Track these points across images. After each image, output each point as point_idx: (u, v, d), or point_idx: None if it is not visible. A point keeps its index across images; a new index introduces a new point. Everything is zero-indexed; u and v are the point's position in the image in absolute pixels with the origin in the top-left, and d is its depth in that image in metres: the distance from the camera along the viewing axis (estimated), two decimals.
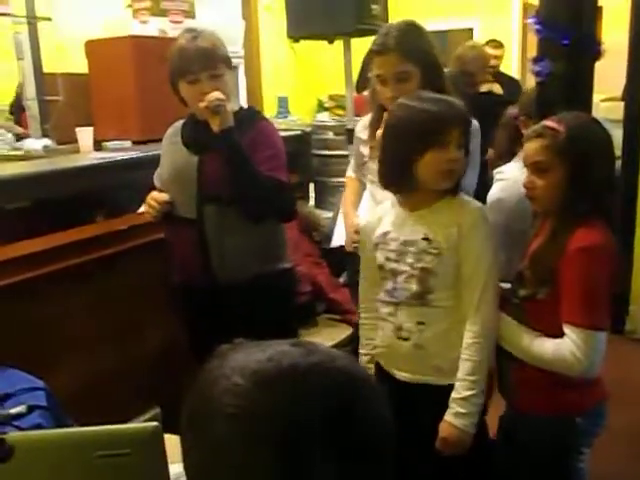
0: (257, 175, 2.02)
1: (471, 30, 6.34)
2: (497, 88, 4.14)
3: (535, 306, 1.64)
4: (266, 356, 0.68)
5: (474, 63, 3.96)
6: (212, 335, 2.14)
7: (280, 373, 0.66)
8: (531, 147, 1.65)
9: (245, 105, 2.37)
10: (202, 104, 1.99)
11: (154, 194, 2.17)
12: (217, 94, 1.98)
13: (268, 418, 0.63)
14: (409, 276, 1.66)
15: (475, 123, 1.94)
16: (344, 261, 2.62)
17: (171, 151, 2.20)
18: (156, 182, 2.26)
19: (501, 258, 2.09)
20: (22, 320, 2.07)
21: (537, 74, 2.01)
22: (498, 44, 4.74)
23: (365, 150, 2.17)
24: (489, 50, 4.46)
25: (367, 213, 2.01)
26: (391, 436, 0.69)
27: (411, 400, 1.66)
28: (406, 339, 1.68)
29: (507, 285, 1.73)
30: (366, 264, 1.81)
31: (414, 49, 1.92)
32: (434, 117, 1.60)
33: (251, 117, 2.17)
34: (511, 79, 4.69)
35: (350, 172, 2.42)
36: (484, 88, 4.04)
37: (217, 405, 0.65)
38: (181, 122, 2.24)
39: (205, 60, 2.01)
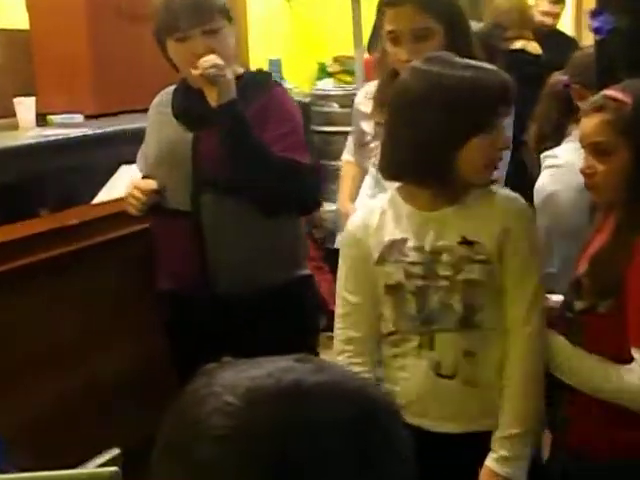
0: (269, 156, 2.02)
1: None
2: (533, 47, 4.18)
3: (595, 322, 1.64)
4: (264, 372, 0.70)
5: (508, 15, 4.07)
6: (206, 359, 2.15)
7: (280, 390, 0.67)
8: (589, 124, 1.65)
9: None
10: (195, 71, 1.98)
11: (138, 182, 2.16)
12: (213, 58, 1.97)
13: (264, 437, 0.65)
14: (447, 293, 1.62)
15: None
16: None
17: (159, 125, 2.20)
18: (139, 165, 2.26)
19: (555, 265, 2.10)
20: None
21: (596, 31, 2.02)
22: None
23: (368, 127, 2.17)
24: (544, 6, 4.54)
25: (360, 210, 1.92)
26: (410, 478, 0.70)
27: (453, 457, 1.63)
28: (451, 376, 1.63)
29: (559, 297, 1.73)
30: (360, 286, 1.68)
31: (436, 1, 1.92)
32: (483, 90, 1.56)
33: (260, 82, 2.17)
34: (567, 38, 4.71)
35: (347, 155, 2.43)
36: (517, 45, 4.11)
37: (204, 427, 0.66)
38: (171, 89, 2.24)
39: (196, 11, 2.00)
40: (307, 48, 5.60)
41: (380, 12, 2.00)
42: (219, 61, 1.98)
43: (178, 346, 2.28)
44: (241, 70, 2.20)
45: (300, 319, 2.25)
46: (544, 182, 2.37)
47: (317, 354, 2.40)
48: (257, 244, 2.10)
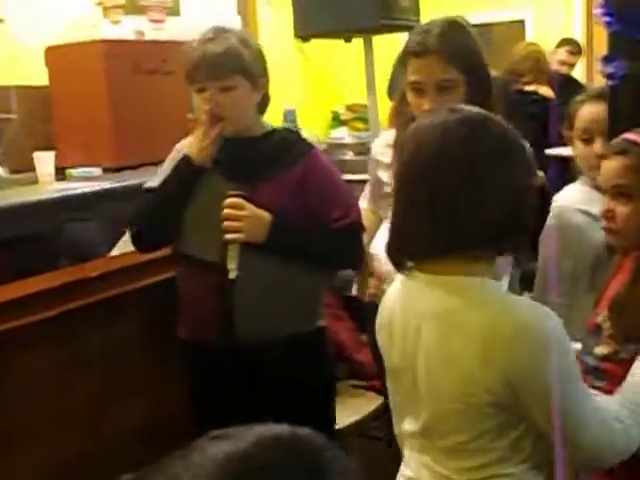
0: (326, 241, 2.12)
1: (522, 22, 6.40)
2: (545, 90, 4.28)
3: (617, 368, 1.61)
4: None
5: (523, 63, 4.18)
6: (224, 410, 2.16)
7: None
8: (611, 167, 1.65)
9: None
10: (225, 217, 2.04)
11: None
12: (227, 216, 2.02)
13: None
14: None
15: (530, 152, 1.97)
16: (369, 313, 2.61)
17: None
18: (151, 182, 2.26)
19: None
20: None
21: (609, 77, 2.02)
22: (575, 49, 4.91)
23: (387, 176, 2.17)
24: (563, 55, 4.69)
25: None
26: None
27: None
28: None
29: (578, 344, 1.71)
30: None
31: (460, 52, 1.92)
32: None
33: (296, 145, 2.18)
34: (579, 85, 4.78)
35: (364, 202, 2.42)
36: (530, 87, 4.23)
37: None
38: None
39: (211, 68, 2.03)
40: (320, 96, 5.65)
41: (403, 61, 2.00)
42: (236, 220, 2.02)
43: (197, 394, 2.27)
44: (269, 126, 2.21)
45: (318, 369, 2.25)
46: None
47: (333, 401, 2.39)
48: (282, 296, 2.11)
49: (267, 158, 2.12)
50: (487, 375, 1.33)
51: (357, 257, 2.22)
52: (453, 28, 1.96)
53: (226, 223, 2.02)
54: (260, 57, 2.14)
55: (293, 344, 2.13)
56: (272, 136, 2.17)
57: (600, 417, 1.38)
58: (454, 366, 1.36)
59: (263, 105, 2.19)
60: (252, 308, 2.08)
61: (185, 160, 2.11)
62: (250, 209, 2.02)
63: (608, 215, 1.65)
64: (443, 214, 1.35)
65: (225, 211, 2.02)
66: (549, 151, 3.23)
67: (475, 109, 1.47)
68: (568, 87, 4.51)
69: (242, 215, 2.02)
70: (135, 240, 2.26)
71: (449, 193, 1.34)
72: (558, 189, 2.24)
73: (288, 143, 2.17)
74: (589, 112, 2.18)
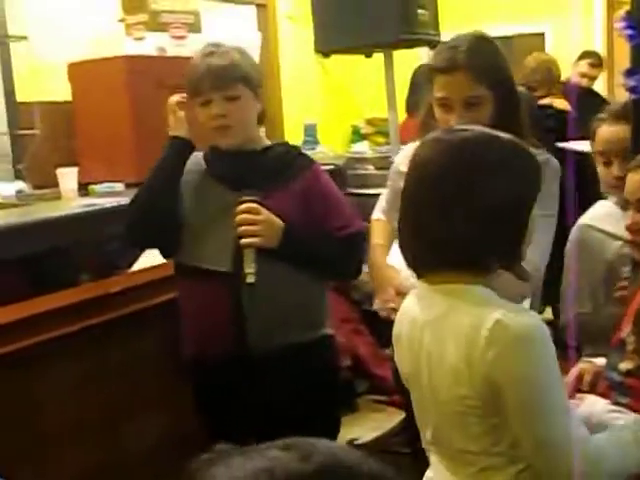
0: (331, 248, 2.16)
1: (542, 35, 6.38)
2: (560, 102, 4.25)
3: None
4: (249, 472, 0.66)
5: (534, 76, 4.16)
6: (236, 422, 2.17)
7: None
8: (635, 180, 1.63)
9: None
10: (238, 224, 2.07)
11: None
12: (243, 221, 2.05)
13: None
14: None
15: (555, 163, 1.96)
16: (390, 327, 2.59)
17: (195, 185, 2.21)
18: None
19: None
20: None
21: (631, 90, 2.01)
22: (596, 61, 4.88)
23: None
24: (584, 68, 4.66)
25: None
26: None
27: None
28: None
29: (602, 360, 1.70)
30: None
31: (488, 69, 1.92)
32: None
33: (297, 160, 2.23)
34: (600, 99, 4.75)
35: (378, 214, 2.41)
36: (545, 101, 4.19)
37: None
38: (201, 153, 2.27)
39: (217, 78, 2.08)
40: (341, 111, 5.66)
41: (429, 77, 1.99)
42: (251, 224, 2.04)
43: (207, 408, 2.27)
44: (267, 142, 2.25)
45: (324, 377, 2.26)
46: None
47: (338, 410, 2.38)
48: (291, 303, 2.13)
49: (269, 171, 2.16)
50: (472, 375, 1.35)
51: (359, 266, 2.27)
52: (480, 44, 1.95)
53: (242, 228, 2.04)
54: (257, 68, 2.24)
55: (299, 351, 2.14)
56: (272, 150, 2.22)
57: (569, 434, 1.35)
58: (447, 369, 1.39)
59: (262, 116, 2.23)
60: (264, 316, 2.10)
61: (171, 138, 2.18)
62: (266, 214, 2.06)
63: (634, 228, 1.63)
64: (432, 231, 1.40)
65: (242, 216, 2.04)
66: (563, 144, 3.18)
67: (480, 129, 1.48)
68: (588, 100, 4.48)
69: (258, 220, 2.04)
70: (128, 230, 2.24)
71: (438, 211, 1.39)
72: (576, 188, 2.24)
73: (289, 158, 2.22)
74: (607, 133, 2.17)
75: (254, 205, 2.05)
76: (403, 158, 2.22)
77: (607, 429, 1.50)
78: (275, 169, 2.15)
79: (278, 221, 2.07)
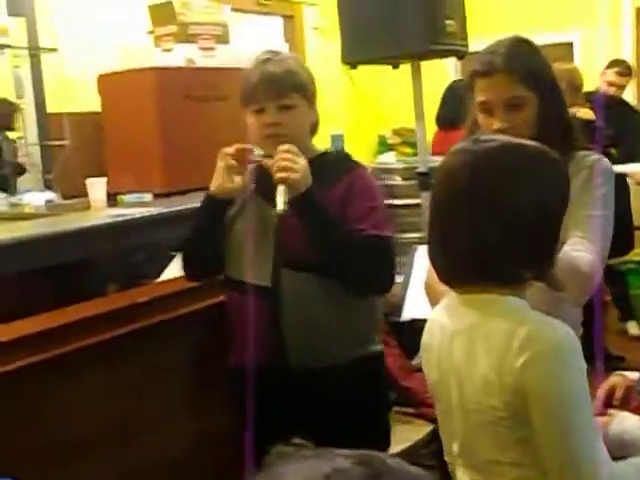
0: (354, 240, 2.04)
1: (570, 45, 6.34)
2: (585, 112, 4.19)
3: None
4: (321, 474, 0.67)
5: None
6: (277, 434, 2.14)
7: None
8: None
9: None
10: (265, 161, 2.02)
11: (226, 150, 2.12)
12: (282, 159, 1.98)
13: None
14: None
15: (605, 164, 1.92)
16: (418, 338, 2.58)
17: (245, 201, 2.21)
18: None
19: None
20: (5, 417, 2.08)
21: None
22: (625, 70, 4.83)
23: None
24: (610, 76, 4.60)
25: None
26: None
27: None
28: None
29: (634, 374, 1.67)
30: None
31: (527, 69, 1.89)
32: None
33: (343, 164, 2.19)
34: (630, 109, 4.71)
35: None
36: (570, 112, 4.14)
37: None
38: (250, 167, 2.27)
39: (273, 86, 2.06)
40: (368, 122, 5.66)
41: (470, 83, 1.96)
42: (290, 160, 1.98)
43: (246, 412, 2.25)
44: (320, 149, 2.22)
45: (372, 395, 2.22)
46: None
47: (389, 429, 2.35)
48: (332, 320, 2.09)
49: (316, 180, 2.10)
50: (502, 384, 1.34)
51: (385, 272, 2.14)
52: (519, 46, 1.93)
53: (282, 163, 1.99)
54: (312, 78, 2.18)
55: (342, 369, 2.11)
56: (322, 159, 2.17)
57: (598, 457, 1.34)
58: (477, 378, 1.38)
59: (315, 126, 2.21)
60: (302, 331, 2.08)
61: (207, 197, 2.16)
62: (304, 161, 2.01)
63: None
64: (461, 243, 1.39)
65: (283, 154, 1.99)
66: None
67: (506, 138, 1.47)
68: (616, 109, 4.43)
69: (296, 160, 2.00)
70: (183, 268, 2.30)
71: (465, 223, 1.38)
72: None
73: (337, 162, 2.19)
74: None
75: (295, 148, 2.01)
76: None
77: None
78: (322, 175, 2.08)
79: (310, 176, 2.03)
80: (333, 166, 2.16)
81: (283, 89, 2.07)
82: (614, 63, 4.96)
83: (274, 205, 2.03)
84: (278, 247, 2.10)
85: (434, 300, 2.10)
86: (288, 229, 2.08)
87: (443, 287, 2.05)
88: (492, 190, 1.36)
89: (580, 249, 1.73)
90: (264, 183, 2.18)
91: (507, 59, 1.87)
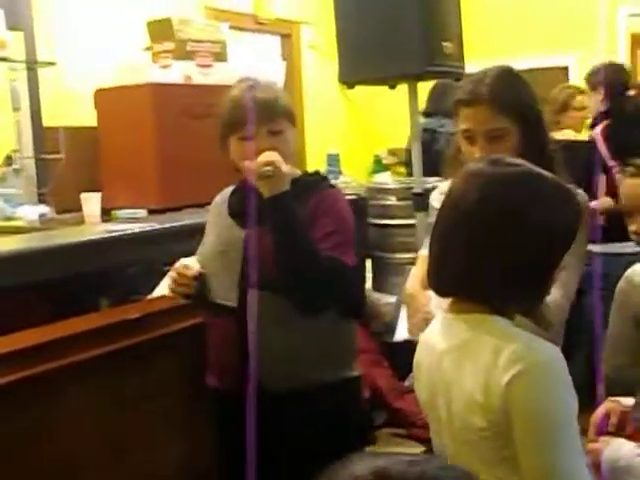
0: (314, 253, 2.01)
1: (566, 69, 6.38)
2: (563, 133, 4.21)
3: None
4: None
5: (550, 106, 4.14)
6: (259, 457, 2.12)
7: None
8: (634, 184, 1.61)
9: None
10: (247, 163, 2.01)
11: (182, 264, 2.16)
12: (269, 156, 1.99)
13: None
14: None
15: (584, 200, 1.90)
16: (411, 359, 2.56)
17: (216, 224, 2.24)
18: (196, 263, 2.26)
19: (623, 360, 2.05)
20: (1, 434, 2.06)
21: None
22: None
23: None
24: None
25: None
26: None
27: None
28: None
29: (630, 400, 1.67)
30: None
31: (511, 102, 1.90)
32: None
33: (314, 184, 2.19)
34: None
35: (423, 250, 2.40)
36: (560, 134, 4.15)
37: None
38: (230, 189, 2.29)
39: (263, 111, 2.06)
40: (364, 141, 5.67)
41: (455, 110, 1.98)
42: (274, 158, 1.99)
43: (227, 442, 2.24)
44: (298, 172, 2.22)
45: (345, 420, 2.18)
46: None
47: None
48: (299, 342, 2.07)
49: None
50: (488, 403, 1.33)
51: (339, 296, 2.08)
52: (505, 77, 1.94)
53: (269, 158, 1.97)
54: (292, 103, 2.20)
55: (323, 393, 2.09)
56: (300, 179, 2.16)
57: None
58: (464, 398, 1.38)
59: (295, 150, 2.21)
60: (271, 352, 2.04)
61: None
62: (286, 167, 2.01)
63: None
64: (457, 263, 1.39)
65: (268, 155, 1.98)
66: None
67: (526, 167, 1.45)
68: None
69: (282, 162, 1.99)
70: None
71: (465, 245, 1.38)
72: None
73: (310, 183, 2.17)
74: (627, 187, 2.16)
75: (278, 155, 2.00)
76: (438, 195, 2.21)
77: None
78: (295, 194, 2.07)
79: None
80: (306, 187, 2.14)
81: (274, 114, 2.08)
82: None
83: (241, 225, 2.08)
84: (245, 268, 2.08)
85: (413, 310, 2.11)
86: (258, 249, 2.07)
87: (425, 299, 2.06)
88: (497, 220, 1.36)
89: (553, 291, 1.73)
90: (235, 202, 2.20)
91: (491, 90, 1.88)
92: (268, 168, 1.98)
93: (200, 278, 2.14)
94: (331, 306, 2.10)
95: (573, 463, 1.31)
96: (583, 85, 4.56)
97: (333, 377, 2.14)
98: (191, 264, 2.16)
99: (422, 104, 3.41)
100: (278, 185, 2.00)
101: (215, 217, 2.27)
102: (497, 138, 1.89)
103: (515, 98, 1.91)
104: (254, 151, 2.03)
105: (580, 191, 1.90)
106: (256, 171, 1.99)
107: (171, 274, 2.19)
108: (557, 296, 1.75)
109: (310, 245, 2.01)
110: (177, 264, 2.19)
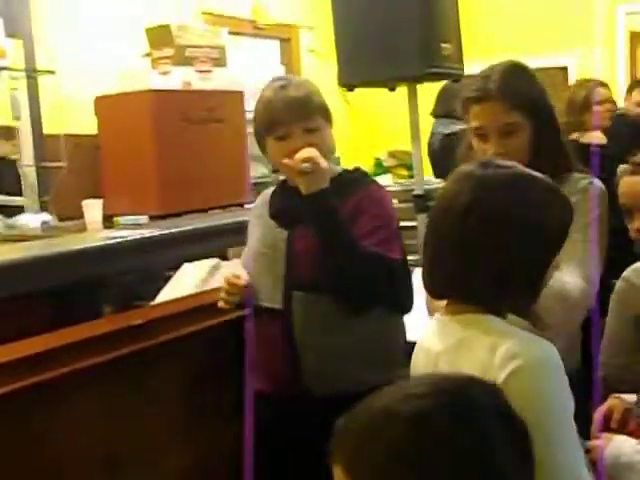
0: (357, 249, 1.98)
1: (565, 69, 6.38)
2: (591, 136, 4.03)
3: None
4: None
5: (571, 107, 3.97)
6: (295, 463, 2.08)
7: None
8: (633, 182, 1.60)
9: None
10: (285, 160, 1.99)
11: (232, 274, 2.12)
12: (307, 152, 1.97)
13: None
14: None
15: (597, 186, 1.90)
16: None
17: (258, 225, 2.21)
18: (242, 269, 2.23)
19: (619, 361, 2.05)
20: (4, 441, 2.06)
21: None
22: None
23: None
24: (637, 97, 4.45)
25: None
26: None
27: None
28: None
29: (632, 396, 1.66)
30: None
31: (521, 95, 1.89)
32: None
33: (357, 180, 2.17)
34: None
35: None
36: (586, 137, 4.00)
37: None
38: (270, 190, 2.28)
39: (297, 110, 2.04)
40: (364, 143, 5.67)
41: (464, 108, 1.96)
42: (312, 154, 1.97)
43: (265, 445, 2.17)
44: (339, 169, 2.20)
45: None
46: None
47: None
48: (346, 343, 2.04)
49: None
50: None
51: (387, 293, 2.06)
52: (513, 72, 1.93)
53: (307, 154, 1.96)
54: (321, 96, 2.18)
55: (362, 396, 2.06)
56: (340, 176, 2.15)
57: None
58: None
59: (333, 147, 2.19)
60: (318, 354, 2.03)
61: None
62: (326, 163, 1.99)
63: None
64: (449, 264, 1.39)
65: (307, 151, 1.97)
66: None
67: (517, 169, 1.44)
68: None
69: (321, 158, 1.98)
70: None
71: (457, 246, 1.37)
72: None
73: (351, 180, 2.15)
74: (626, 185, 2.15)
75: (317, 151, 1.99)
76: None
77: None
78: (336, 191, 2.04)
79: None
80: (348, 183, 2.12)
81: (308, 112, 2.06)
82: (637, 84, 4.80)
83: (282, 225, 2.06)
84: (289, 268, 2.07)
85: (429, 310, 2.09)
86: (298, 250, 2.06)
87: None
88: (487, 218, 1.35)
89: (572, 275, 1.72)
90: (275, 203, 2.18)
91: (501, 85, 1.87)
92: (307, 165, 1.95)
93: (248, 288, 2.09)
94: (378, 303, 2.08)
95: (571, 458, 1.31)
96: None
97: (382, 378, 2.09)
98: (240, 272, 2.12)
99: (422, 106, 3.40)
100: (318, 182, 1.98)
101: (256, 219, 2.24)
102: (509, 134, 1.87)
103: (525, 91, 1.90)
104: (290, 150, 2.01)
105: (596, 180, 1.90)
106: (295, 168, 1.98)
107: (222, 285, 2.13)
108: (577, 279, 1.74)
109: (352, 242, 1.98)
110: (227, 273, 2.14)
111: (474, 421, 1.00)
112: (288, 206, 2.12)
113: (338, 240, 1.98)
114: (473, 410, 1.01)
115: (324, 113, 2.12)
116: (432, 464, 0.95)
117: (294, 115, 2.03)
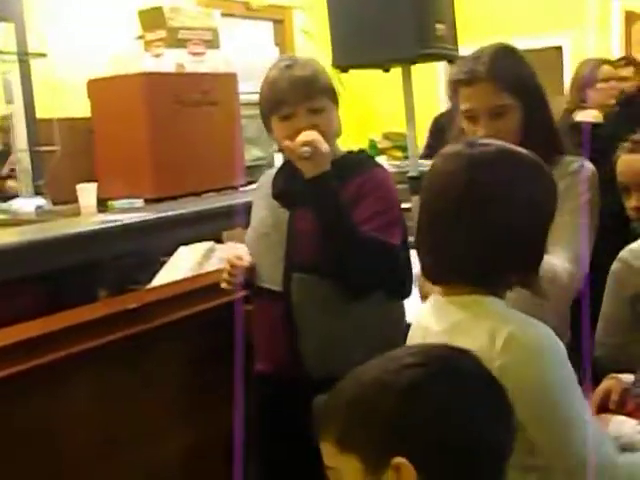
0: (356, 235, 1.97)
1: (559, 49, 6.37)
2: (587, 114, 4.02)
3: None
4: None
5: (574, 84, 3.93)
6: (293, 449, 2.06)
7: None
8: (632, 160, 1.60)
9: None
10: (286, 143, 1.97)
11: (234, 255, 2.11)
12: (307, 135, 1.95)
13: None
14: None
15: (589, 169, 1.90)
16: None
17: (261, 206, 2.20)
18: (246, 251, 2.20)
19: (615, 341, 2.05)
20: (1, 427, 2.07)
21: None
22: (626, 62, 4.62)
23: None
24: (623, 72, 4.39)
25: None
26: None
27: None
28: None
29: (630, 376, 1.67)
30: None
31: (510, 77, 1.88)
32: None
33: (360, 163, 2.14)
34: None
35: None
36: (581, 114, 3.99)
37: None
38: (274, 170, 2.26)
39: (303, 89, 2.01)
40: (358, 125, 5.65)
41: (454, 91, 1.96)
42: (312, 137, 1.94)
43: (264, 426, 2.19)
44: (342, 151, 2.17)
45: None
46: None
47: None
48: (346, 326, 2.04)
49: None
50: None
51: (386, 277, 2.05)
52: (503, 53, 1.92)
53: (308, 137, 1.94)
54: (328, 77, 2.13)
55: None
56: (344, 158, 2.13)
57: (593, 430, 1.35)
58: None
59: (339, 129, 2.15)
60: (318, 335, 2.03)
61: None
62: (327, 146, 1.96)
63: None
64: (446, 244, 1.39)
65: (308, 134, 1.95)
66: None
67: (502, 144, 1.45)
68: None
69: (323, 141, 1.95)
70: None
71: (453, 226, 1.37)
72: None
73: (355, 162, 2.13)
74: (624, 163, 2.15)
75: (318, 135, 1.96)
76: None
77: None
78: (338, 173, 2.02)
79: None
80: (351, 165, 2.10)
81: (314, 92, 2.02)
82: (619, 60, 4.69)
83: (284, 206, 2.05)
84: (290, 251, 2.06)
85: (422, 293, 2.09)
86: (300, 231, 2.05)
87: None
88: (485, 197, 1.35)
89: (561, 257, 1.73)
90: (279, 183, 2.17)
91: (490, 67, 1.86)
92: (306, 148, 1.93)
93: (250, 270, 2.09)
94: (377, 287, 2.06)
95: (583, 434, 1.31)
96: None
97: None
98: (242, 253, 2.11)
99: (416, 86, 3.39)
100: (318, 165, 1.96)
101: (260, 200, 2.22)
102: (499, 115, 1.87)
103: (514, 73, 1.89)
104: (293, 131, 1.99)
105: (586, 162, 1.89)
106: (295, 152, 1.97)
107: (224, 265, 2.12)
108: (565, 262, 1.74)
109: (351, 227, 1.97)
110: (230, 254, 2.13)
111: (465, 391, 1.05)
112: (291, 187, 2.11)
113: (338, 226, 1.97)
114: (463, 379, 1.07)
115: (330, 94, 2.08)
116: (425, 435, 1.00)
117: (299, 95, 2.00)
